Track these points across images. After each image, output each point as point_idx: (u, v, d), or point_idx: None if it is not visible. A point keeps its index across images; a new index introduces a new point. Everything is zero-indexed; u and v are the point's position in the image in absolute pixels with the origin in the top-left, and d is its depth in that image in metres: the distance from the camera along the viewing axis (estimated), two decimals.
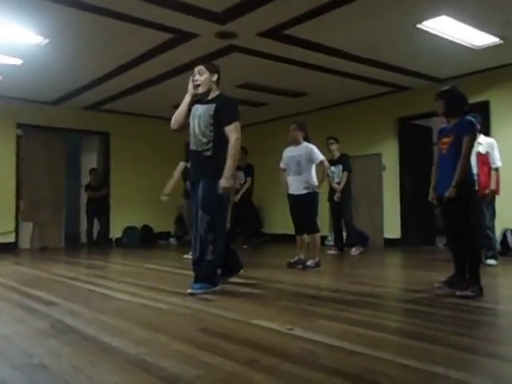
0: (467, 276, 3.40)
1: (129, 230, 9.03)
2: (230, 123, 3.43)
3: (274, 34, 5.29)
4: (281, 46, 5.66)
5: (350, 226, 6.75)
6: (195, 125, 3.50)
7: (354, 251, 6.57)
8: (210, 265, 3.44)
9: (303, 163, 4.95)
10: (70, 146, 9.20)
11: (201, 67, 3.51)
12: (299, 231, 5.14)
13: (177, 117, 3.61)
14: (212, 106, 3.46)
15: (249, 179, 7.85)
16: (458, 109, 3.46)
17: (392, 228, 7.85)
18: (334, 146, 6.72)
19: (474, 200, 3.53)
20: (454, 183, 3.28)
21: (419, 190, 7.84)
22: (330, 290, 3.71)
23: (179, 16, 4.74)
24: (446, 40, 5.49)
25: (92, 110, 8.72)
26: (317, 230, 5.09)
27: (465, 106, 3.49)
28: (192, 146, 3.56)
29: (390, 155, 7.97)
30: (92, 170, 8.69)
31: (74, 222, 9.30)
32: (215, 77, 3.54)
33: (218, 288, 3.48)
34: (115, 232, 8.94)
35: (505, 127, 6.49)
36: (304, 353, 2.02)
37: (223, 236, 3.53)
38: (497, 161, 4.96)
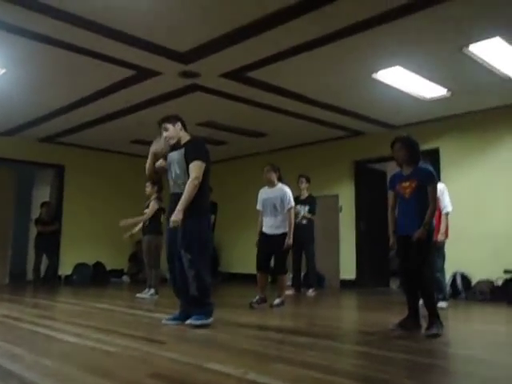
0: (428, 315, 3.46)
1: (80, 267, 8.67)
2: (191, 162, 3.63)
3: (236, 75, 5.41)
4: (242, 87, 5.78)
5: (312, 266, 6.76)
6: (172, 170, 3.75)
7: (311, 292, 6.57)
8: (197, 300, 3.62)
9: (278, 206, 5.04)
10: (22, 178, 8.88)
11: (164, 124, 3.78)
12: (261, 268, 5.11)
13: (147, 171, 3.93)
14: (182, 151, 3.71)
15: (212, 217, 7.80)
16: (416, 156, 3.64)
17: (348, 269, 7.93)
18: (304, 185, 6.79)
19: (431, 242, 3.65)
20: (425, 226, 3.43)
21: (374, 231, 8.05)
22: (287, 331, 3.65)
23: (142, 54, 4.77)
24: (400, 90, 5.78)
25: (48, 142, 8.51)
26: (286, 271, 5.18)
27: (420, 155, 3.69)
28: (172, 190, 3.77)
29: (346, 197, 8.15)
30: (44, 204, 8.36)
31: (20, 257, 8.85)
32: (179, 125, 3.80)
33: (211, 320, 3.63)
34: (65, 269, 8.56)
35: (454, 173, 6.81)
36: None
37: (207, 271, 3.67)
38: (447, 206, 5.16)
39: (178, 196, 3.64)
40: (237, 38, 4.46)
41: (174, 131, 3.77)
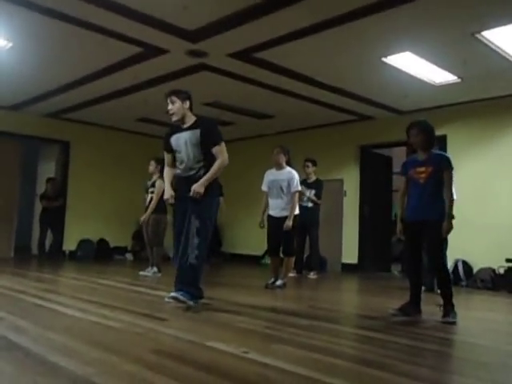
0: (444, 304, 3.48)
1: (84, 243, 8.75)
2: (216, 145, 3.59)
3: (244, 55, 5.36)
4: (250, 68, 5.73)
5: (315, 249, 6.78)
6: (183, 153, 3.62)
7: (312, 275, 6.61)
8: (193, 270, 3.52)
9: (285, 188, 5.04)
10: (28, 153, 8.90)
11: (172, 97, 3.63)
12: (273, 253, 5.21)
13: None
14: (197, 132, 3.58)
15: (220, 199, 7.89)
16: (432, 142, 3.62)
17: (350, 253, 7.97)
18: (310, 169, 6.77)
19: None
20: (449, 217, 3.42)
21: (377, 217, 8.07)
22: (288, 313, 3.70)
23: (151, 31, 4.72)
24: (409, 75, 5.72)
25: (53, 117, 8.49)
26: (293, 253, 5.22)
27: (435, 140, 3.67)
28: (182, 173, 3.69)
29: (351, 181, 8.14)
30: (49, 180, 8.40)
31: (25, 231, 8.93)
32: (187, 103, 3.66)
33: (194, 303, 3.52)
34: (69, 244, 8.65)
35: (460, 161, 6.76)
36: (259, 378, 1.99)
37: (206, 246, 3.61)
38: (453, 193, 5.14)
39: (189, 178, 3.59)
40: (246, 18, 4.40)
41: (180, 107, 3.62)
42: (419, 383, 2.00)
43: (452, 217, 3.44)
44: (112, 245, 9.11)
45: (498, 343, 2.96)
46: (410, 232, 3.62)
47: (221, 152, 3.60)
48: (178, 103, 3.62)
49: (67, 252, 8.63)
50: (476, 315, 4.22)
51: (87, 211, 8.81)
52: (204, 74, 5.97)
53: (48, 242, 8.22)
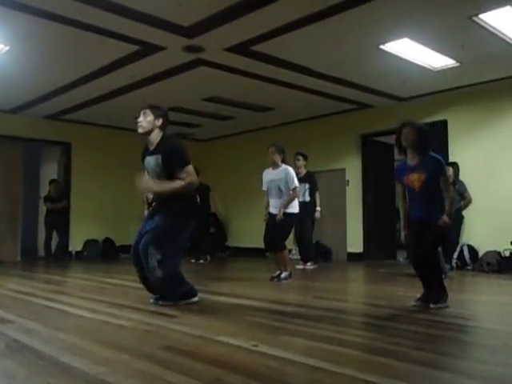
0: (436, 290, 3.44)
1: (89, 243, 8.79)
2: (182, 169, 3.41)
3: (241, 49, 5.34)
4: (247, 62, 5.71)
5: (307, 240, 6.71)
6: (150, 177, 3.53)
7: (309, 266, 6.63)
8: (163, 283, 3.43)
9: (283, 187, 5.08)
10: (29, 156, 8.92)
11: (147, 110, 3.52)
12: (270, 248, 5.29)
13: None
14: (159, 157, 3.43)
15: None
16: (426, 146, 3.41)
17: (355, 242, 7.98)
18: (300, 163, 6.73)
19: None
20: (448, 215, 3.30)
21: (381, 204, 8.06)
22: (296, 305, 3.71)
23: (146, 28, 4.71)
24: (408, 61, 5.69)
25: (53, 119, 8.50)
26: (282, 249, 5.17)
27: (430, 145, 3.45)
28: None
29: (353, 171, 8.13)
30: (52, 181, 8.43)
31: (31, 234, 8.98)
32: (160, 121, 3.51)
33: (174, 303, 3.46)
34: (75, 245, 8.69)
35: (461, 145, 6.76)
36: (269, 370, 2.01)
37: (175, 262, 3.51)
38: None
39: (158, 195, 3.53)
40: (241, 11, 4.38)
41: (150, 122, 3.48)
42: (429, 369, 2.01)
43: (450, 215, 3.33)
44: (118, 244, 9.14)
45: (506, 326, 2.97)
46: (415, 227, 3.50)
47: (188, 174, 3.41)
48: (150, 117, 3.49)
49: (73, 253, 8.67)
50: (485, 299, 4.22)
51: (91, 211, 8.84)
52: (202, 69, 5.96)
53: (54, 244, 8.27)
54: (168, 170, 3.42)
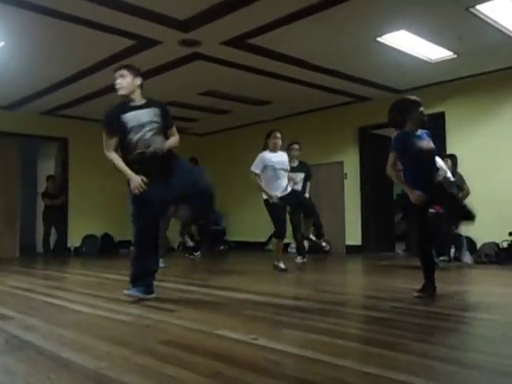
0: (426, 279, 3.47)
1: (88, 239, 8.78)
2: (172, 126, 3.53)
3: (238, 42, 5.31)
4: (244, 55, 5.68)
5: (298, 232, 6.59)
6: (142, 131, 3.33)
7: (299, 259, 6.45)
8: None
9: (288, 168, 5.42)
10: (26, 152, 8.89)
11: (122, 70, 3.40)
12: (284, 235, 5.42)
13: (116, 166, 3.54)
14: (157, 110, 3.40)
15: None
16: (394, 122, 3.64)
17: (353, 235, 7.99)
18: (297, 153, 6.63)
19: None
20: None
21: (379, 197, 8.07)
22: (295, 298, 3.72)
23: (142, 22, 4.68)
24: (405, 53, 5.67)
25: (50, 115, 8.46)
26: (278, 237, 5.37)
27: (397, 120, 3.61)
28: (141, 148, 3.35)
29: (351, 163, 8.13)
30: (49, 177, 8.41)
31: (29, 230, 8.96)
32: (138, 81, 3.42)
33: (137, 295, 3.39)
34: (74, 241, 8.67)
35: (459, 137, 6.76)
36: (268, 363, 2.02)
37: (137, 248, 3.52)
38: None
39: (147, 155, 3.32)
40: (237, 4, 4.35)
41: (130, 83, 3.35)
42: (429, 361, 2.02)
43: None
44: (116, 239, 9.13)
45: (505, 317, 2.98)
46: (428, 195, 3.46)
47: (176, 132, 3.53)
48: (128, 78, 3.36)
49: (72, 248, 8.66)
50: (484, 290, 4.23)
51: (90, 206, 8.82)
52: (198, 63, 5.93)
53: (52, 240, 8.26)
54: (164, 123, 3.43)
